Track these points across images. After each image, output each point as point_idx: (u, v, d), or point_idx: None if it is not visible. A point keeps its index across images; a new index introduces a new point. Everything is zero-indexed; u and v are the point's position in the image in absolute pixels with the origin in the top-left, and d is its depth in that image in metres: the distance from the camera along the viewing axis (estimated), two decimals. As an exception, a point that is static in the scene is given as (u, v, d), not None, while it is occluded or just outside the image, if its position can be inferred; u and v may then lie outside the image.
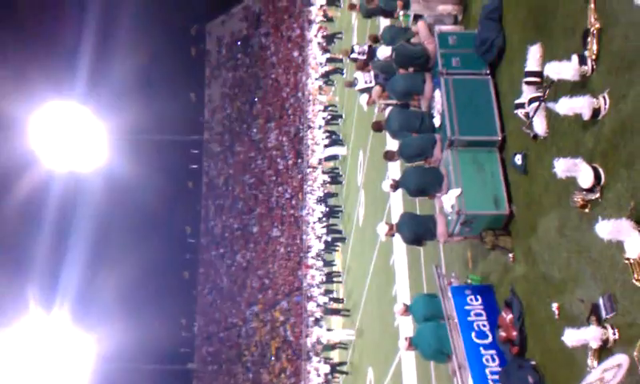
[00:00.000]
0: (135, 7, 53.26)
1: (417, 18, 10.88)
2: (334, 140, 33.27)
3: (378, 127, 10.27)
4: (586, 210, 6.34)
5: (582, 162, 6.21)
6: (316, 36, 38.04)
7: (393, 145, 10.32)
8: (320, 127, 35.91)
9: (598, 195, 6.14)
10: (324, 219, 33.68)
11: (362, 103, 11.46)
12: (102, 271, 53.22)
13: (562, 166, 6.29)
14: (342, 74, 32.36)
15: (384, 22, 15.02)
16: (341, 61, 32.22)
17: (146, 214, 55.58)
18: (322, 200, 34.75)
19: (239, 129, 59.42)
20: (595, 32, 6.16)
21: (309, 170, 39.87)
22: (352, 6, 14.70)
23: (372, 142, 22.07)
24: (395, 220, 9.81)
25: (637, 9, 5.22)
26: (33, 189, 48.50)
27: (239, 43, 60.59)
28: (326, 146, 33.76)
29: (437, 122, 9.39)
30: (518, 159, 8.05)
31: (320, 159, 36.22)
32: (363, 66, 12.42)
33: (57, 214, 49.98)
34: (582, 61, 6.23)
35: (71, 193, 52.32)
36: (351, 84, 12.91)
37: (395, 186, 9.77)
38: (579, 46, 6.45)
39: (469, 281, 9.59)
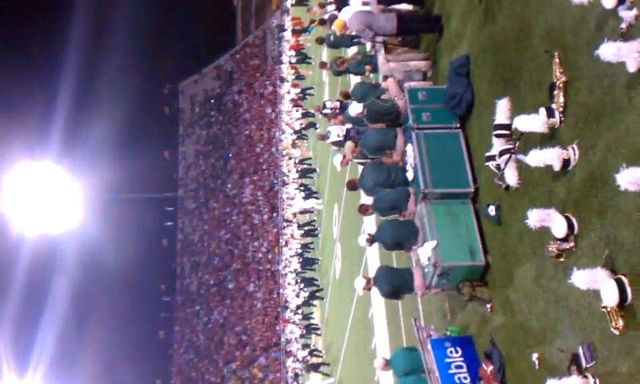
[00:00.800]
0: (109, 67, 53.58)
1: (386, 75, 11.08)
2: (309, 194, 33.32)
3: (352, 186, 10.32)
4: (561, 260, 6.38)
5: (554, 213, 6.27)
6: (288, 92, 38.49)
7: (367, 199, 10.34)
8: (294, 181, 36.02)
9: (572, 244, 6.19)
10: (300, 272, 33.46)
11: (335, 164, 11.53)
12: (75, 334, 51.99)
13: (535, 217, 6.35)
14: (316, 128, 32.69)
15: (354, 79, 15.27)
16: (313, 115, 32.58)
17: (119, 273, 54.76)
18: (298, 254, 34.57)
19: (214, 185, 59.36)
20: (561, 85, 6.31)
21: (284, 224, 39.77)
22: (323, 65, 15.00)
23: (347, 196, 22.14)
24: (372, 273, 9.77)
25: (600, 62, 5.36)
26: (4, 252, 47.63)
27: (212, 101, 61.08)
28: (304, 199, 33.76)
29: (410, 175, 9.46)
30: (492, 210, 8.11)
31: (295, 213, 36.21)
32: (335, 118, 12.55)
33: (29, 278, 49.05)
34: (550, 113, 6.36)
35: (44, 255, 51.43)
36: (324, 137, 13.04)
37: (371, 240, 9.76)
38: (546, 99, 6.60)
39: (448, 333, 9.53)
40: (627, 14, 5.21)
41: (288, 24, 39.63)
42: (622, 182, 5.16)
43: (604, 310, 5.56)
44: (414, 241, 9.04)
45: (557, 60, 6.40)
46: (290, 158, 37.89)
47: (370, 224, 16.08)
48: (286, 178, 39.72)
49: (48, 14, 53.93)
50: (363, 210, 10.11)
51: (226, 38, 62.39)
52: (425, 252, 8.65)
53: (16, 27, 51.98)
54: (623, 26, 5.32)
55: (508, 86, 7.76)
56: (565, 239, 6.21)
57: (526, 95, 7.25)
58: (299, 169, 35.27)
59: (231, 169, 56.84)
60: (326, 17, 15.14)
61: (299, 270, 33.73)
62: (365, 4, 11.13)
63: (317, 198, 32.40)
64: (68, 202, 51.13)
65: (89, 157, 52.24)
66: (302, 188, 34.36)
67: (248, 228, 51.23)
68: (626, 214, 5.44)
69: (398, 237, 9.22)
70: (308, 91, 34.94)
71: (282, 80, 42.52)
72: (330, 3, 14.07)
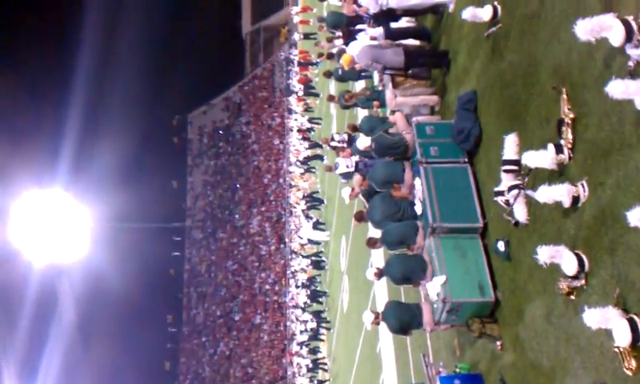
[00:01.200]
0: (118, 97, 54.12)
1: (394, 109, 11.13)
2: (316, 225, 33.23)
3: (360, 218, 10.29)
4: (572, 297, 6.29)
5: (564, 250, 6.21)
6: (296, 119, 38.65)
7: (375, 232, 10.30)
8: (301, 212, 35.98)
9: (582, 282, 6.11)
10: (307, 305, 33.23)
11: (344, 196, 11.53)
12: (81, 363, 51.73)
13: (545, 254, 6.28)
14: (323, 159, 32.74)
15: (362, 112, 15.33)
16: (321, 147, 32.67)
17: (126, 303, 54.59)
18: (305, 286, 34.36)
19: (221, 215, 59.43)
20: (569, 122, 6.29)
21: (291, 256, 39.65)
22: (331, 98, 15.08)
23: (354, 228, 22.06)
24: (380, 308, 9.69)
25: (608, 99, 5.35)
26: (13, 281, 47.67)
27: (221, 132, 61.47)
28: (312, 228, 33.65)
29: (418, 209, 9.43)
30: (501, 246, 8.05)
31: (302, 244, 36.09)
32: (344, 151, 12.58)
33: (36, 305, 49.00)
34: (559, 150, 6.33)
35: (51, 283, 51.46)
36: (331, 168, 13.05)
37: (379, 274, 9.70)
38: (555, 135, 6.58)
39: (457, 370, 9.38)
40: (635, 52, 5.21)
41: (295, 57, 40.00)
42: (632, 219, 5.11)
43: (616, 349, 5.46)
44: (423, 276, 8.98)
45: (565, 96, 6.39)
46: (298, 190, 37.93)
47: (378, 257, 15.99)
48: (293, 209, 39.70)
49: (57, 42, 54.68)
50: (371, 243, 10.06)
51: (234, 70, 63.01)
52: (434, 287, 8.58)
53: (24, 54, 52.68)
54: (631, 63, 5.32)
55: (516, 122, 7.75)
56: (575, 277, 6.14)
57: (534, 131, 7.24)
58: (307, 201, 35.26)
59: (239, 199, 56.96)
60: (334, 51, 15.26)
61: (307, 302, 33.49)
62: (372, 39, 11.21)
63: (324, 229, 32.32)
64: (76, 229, 51.20)
65: (97, 185, 52.51)
66: (309, 218, 34.29)
67: (255, 259, 51.13)
68: (636, 252, 5.37)
69: (407, 271, 9.16)
70: (317, 121, 35.12)
71: (290, 111, 42.78)
72: (338, 38, 14.18)
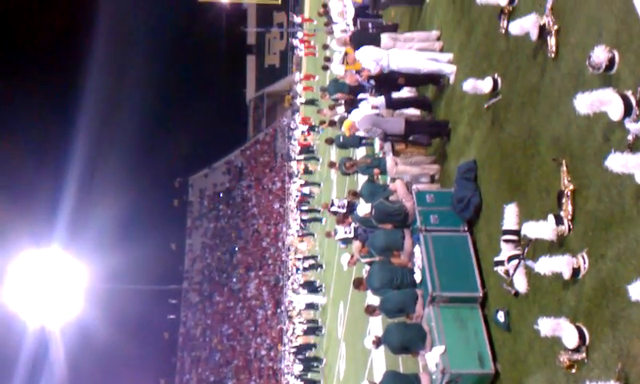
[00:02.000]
0: (120, 157, 54.60)
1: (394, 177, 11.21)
2: (314, 289, 32.96)
3: (359, 285, 10.22)
4: (573, 371, 6.16)
5: (565, 322, 6.13)
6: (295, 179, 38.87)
7: (374, 299, 10.21)
8: (297, 271, 35.77)
9: (584, 355, 6.00)
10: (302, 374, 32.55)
11: (342, 263, 11.50)
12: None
13: (546, 326, 6.19)
14: (321, 221, 32.76)
15: (362, 178, 15.43)
16: (319, 211, 32.73)
17: (119, 366, 53.67)
18: (299, 351, 33.79)
19: (219, 278, 59.06)
20: (569, 193, 6.32)
21: (288, 321, 39.19)
22: (332, 164, 15.20)
23: (353, 294, 21.87)
24: (377, 378, 9.50)
25: (608, 171, 5.38)
26: (7, 342, 47.00)
27: (221, 195, 61.78)
28: (308, 292, 33.35)
29: (417, 277, 9.36)
30: (501, 316, 7.96)
31: (300, 310, 35.70)
32: (343, 220, 12.61)
33: (30, 367, 48.17)
34: (559, 221, 6.34)
35: (45, 344, 50.70)
36: (331, 234, 13.04)
37: (377, 342, 9.56)
38: (555, 206, 6.59)
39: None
40: (634, 126, 5.28)
41: (298, 122, 40.55)
42: (634, 293, 5.06)
43: (619, 426, 5.33)
44: (422, 345, 8.84)
45: (565, 168, 6.44)
46: (296, 253, 37.80)
47: (377, 325, 15.78)
48: (290, 273, 39.49)
49: (57, 102, 55.48)
50: (370, 310, 9.97)
51: (237, 134, 63.88)
52: (433, 357, 8.43)
53: (24, 114, 53.39)
54: (630, 137, 5.37)
55: (516, 192, 7.79)
56: (576, 350, 6.03)
57: (534, 201, 7.26)
58: (304, 264, 35.08)
59: (237, 262, 56.72)
60: (335, 118, 15.48)
61: (301, 371, 32.86)
62: (374, 108, 11.39)
63: (321, 293, 32.02)
64: (72, 288, 50.73)
65: (95, 244, 52.38)
66: (306, 285, 34.04)
67: (251, 323, 50.50)
68: (638, 326, 5.30)
69: (406, 341, 9.02)
70: (317, 186, 35.31)
71: (291, 176, 43.10)
72: (340, 105, 14.40)
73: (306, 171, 38.08)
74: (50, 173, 54.10)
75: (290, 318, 38.12)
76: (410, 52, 11.11)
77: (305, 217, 35.70)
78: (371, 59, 10.90)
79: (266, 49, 64.88)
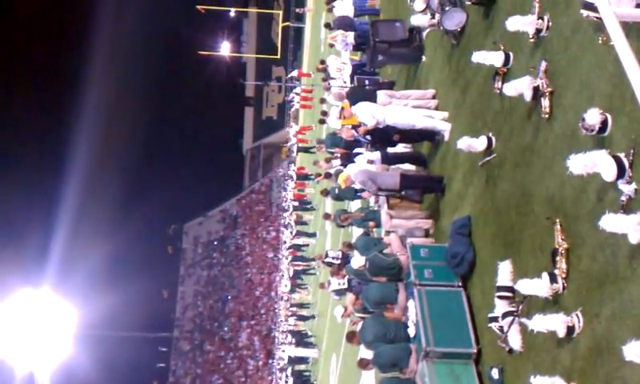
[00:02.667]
0: (115, 203, 54.57)
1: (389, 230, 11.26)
2: (305, 341, 32.57)
3: (352, 338, 10.15)
4: (568, 431, 6.12)
5: (560, 381, 6.10)
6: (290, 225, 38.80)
7: (367, 353, 10.12)
8: (287, 320, 35.40)
9: (578, 416, 5.97)
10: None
11: (336, 315, 11.46)
12: None
13: (541, 385, 6.17)
14: (315, 274, 32.60)
15: (357, 230, 15.47)
16: (313, 260, 32.62)
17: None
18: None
19: (210, 327, 58.43)
20: (563, 252, 6.37)
21: (279, 374, 38.62)
22: (327, 216, 15.27)
23: (345, 347, 21.64)
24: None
25: (602, 231, 5.45)
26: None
27: (215, 243, 61.62)
28: (296, 346, 32.92)
29: (411, 331, 9.32)
30: (495, 373, 7.90)
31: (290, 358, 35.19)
32: (337, 272, 12.61)
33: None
34: (553, 279, 6.37)
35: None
36: (324, 285, 13.01)
37: (370, 397, 9.46)
38: (549, 264, 6.63)
39: None
40: (627, 188, 5.37)
41: (293, 172, 40.79)
42: (628, 354, 5.06)
43: None
44: (415, 402, 8.75)
45: (558, 227, 6.50)
46: (288, 303, 37.51)
47: (370, 379, 15.59)
48: (282, 323, 39.11)
49: (49, 142, 55.63)
50: (363, 364, 9.87)
51: (233, 183, 64.17)
52: (426, 414, 8.33)
53: (16, 152, 53.50)
54: (623, 198, 5.46)
55: (510, 249, 7.83)
56: (571, 409, 6.00)
57: (528, 259, 7.30)
58: (296, 314, 34.80)
59: (229, 311, 56.21)
60: (331, 171, 15.61)
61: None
62: (370, 162, 11.52)
63: (313, 345, 31.63)
64: (61, 332, 49.95)
65: (86, 288, 51.91)
66: (295, 335, 33.67)
67: (242, 374, 49.76)
68: (633, 387, 5.29)
69: (399, 396, 8.94)
70: (312, 237, 35.25)
71: (286, 226, 43.09)
72: (336, 158, 14.56)
73: (300, 222, 38.09)
74: (41, 214, 54.02)
75: (281, 370, 37.58)
76: (406, 108, 11.30)
77: (298, 268, 35.54)
78: (368, 114, 11.08)
79: (264, 101, 65.76)
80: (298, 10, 53.94)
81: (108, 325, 55.47)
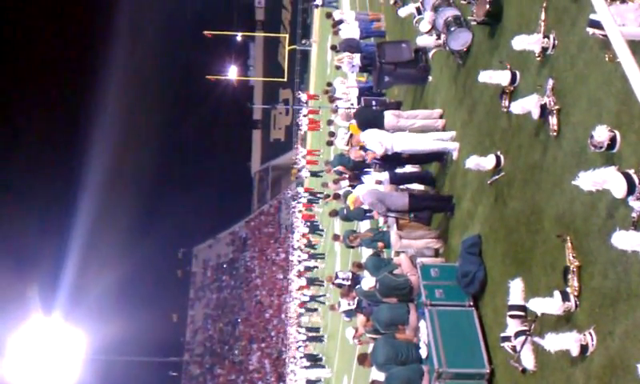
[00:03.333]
0: (124, 228, 54.69)
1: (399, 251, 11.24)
2: (316, 363, 32.40)
3: (363, 361, 10.10)
4: None
5: (574, 401, 6.05)
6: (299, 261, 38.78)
7: (379, 375, 10.05)
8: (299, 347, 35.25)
9: (594, 436, 5.89)
10: None
11: (347, 337, 11.41)
12: None
13: (555, 405, 6.11)
14: (324, 302, 32.52)
15: (366, 251, 15.45)
16: (322, 283, 32.54)
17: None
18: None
19: (220, 350, 58.20)
20: (575, 269, 6.33)
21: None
22: (336, 237, 15.26)
23: (357, 369, 21.50)
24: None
25: (613, 248, 5.42)
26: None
27: (225, 266, 61.59)
28: (307, 368, 32.73)
29: (423, 352, 9.26)
30: (509, 394, 7.83)
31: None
32: (347, 293, 12.57)
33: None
34: (565, 297, 6.33)
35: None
36: (335, 307, 12.97)
37: (383, 419, 9.37)
38: (560, 282, 6.59)
39: None
40: (637, 205, 5.34)
41: (302, 193, 40.83)
42: (643, 372, 5.02)
43: None
44: (429, 423, 8.67)
45: (569, 244, 6.47)
46: (300, 326, 37.35)
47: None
48: (293, 345, 38.92)
49: (61, 168, 55.95)
50: (375, 387, 9.82)
51: (242, 205, 64.25)
52: (440, 436, 8.25)
53: (27, 180, 53.80)
54: (634, 215, 5.42)
55: (521, 267, 7.79)
56: (587, 430, 5.93)
57: (540, 277, 7.26)
58: (307, 337, 34.65)
59: (239, 334, 56.03)
60: (340, 192, 15.64)
61: None
62: (378, 182, 11.53)
63: (323, 367, 31.45)
64: (70, 358, 49.87)
65: (96, 313, 51.91)
66: (307, 358, 33.51)
67: (253, 398, 49.43)
68: (649, 405, 5.22)
69: (412, 418, 8.86)
70: (320, 257, 35.20)
71: (295, 248, 43.05)
72: (344, 179, 14.59)
73: (309, 245, 38.06)
74: (53, 242, 54.20)
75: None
76: (413, 135, 11.31)
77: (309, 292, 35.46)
78: (376, 142, 11.11)
79: (272, 124, 66.13)
80: (303, 41, 54.50)
81: (118, 350, 55.38)
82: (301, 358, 34.39)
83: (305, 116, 37.15)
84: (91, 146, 54.47)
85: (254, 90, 66.79)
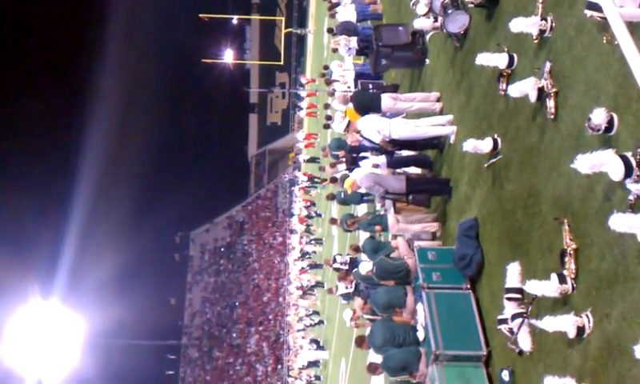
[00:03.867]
0: (122, 212, 54.66)
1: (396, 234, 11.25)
2: (316, 346, 32.58)
3: (361, 343, 10.13)
4: (580, 432, 6.09)
5: (571, 382, 6.08)
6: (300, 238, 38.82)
7: (376, 357, 10.10)
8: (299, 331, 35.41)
9: (590, 417, 5.94)
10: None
11: (345, 319, 11.45)
12: None
13: (552, 386, 6.15)
14: (323, 286, 32.61)
15: (364, 234, 15.46)
16: (321, 266, 32.62)
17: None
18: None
19: (218, 334, 58.42)
20: (572, 252, 6.35)
21: (290, 380, 38.58)
22: (333, 221, 15.26)
23: (355, 350, 21.61)
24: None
25: (610, 231, 5.43)
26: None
27: (222, 249, 61.67)
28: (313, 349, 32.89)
29: (420, 335, 9.30)
30: (505, 375, 7.86)
31: (300, 367, 35.19)
32: (345, 277, 12.59)
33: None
34: (562, 280, 6.35)
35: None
36: (332, 290, 13.00)
37: (380, 401, 9.44)
38: (558, 265, 6.61)
39: None
40: (634, 187, 5.35)
41: (300, 177, 40.81)
42: (639, 353, 5.05)
43: None
44: (426, 405, 8.73)
45: (566, 227, 6.48)
46: (298, 309, 37.49)
47: (379, 382, 15.56)
48: (292, 329, 39.10)
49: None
50: (372, 369, 9.85)
51: (238, 190, 64.21)
52: (437, 418, 8.31)
53: (25, 166, 53.68)
54: (631, 197, 5.44)
55: (518, 250, 7.82)
56: (583, 410, 5.98)
57: (537, 260, 7.28)
58: (306, 322, 34.78)
59: (237, 317, 56.25)
60: (337, 176, 15.61)
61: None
62: (375, 166, 11.51)
63: (323, 349, 31.63)
64: (69, 341, 50.08)
65: (94, 298, 52.00)
66: (309, 340, 33.69)
67: (251, 380, 49.74)
68: (645, 387, 5.27)
69: (409, 400, 8.92)
70: (319, 242, 35.26)
71: (292, 232, 43.10)
72: (341, 163, 14.55)
73: (307, 231, 38.10)
74: (51, 227, 54.18)
75: (291, 377, 37.56)
76: (411, 121, 11.28)
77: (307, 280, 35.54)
78: (373, 130, 11.07)
79: (268, 107, 65.89)
80: (300, 31, 54.15)
81: (116, 333, 55.57)
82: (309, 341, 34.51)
83: (307, 97, 37.05)
84: (88, 130, 54.29)
85: (251, 74, 66.50)
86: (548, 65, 7.24)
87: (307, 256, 35.90)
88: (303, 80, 41.26)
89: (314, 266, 34.22)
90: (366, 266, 10.47)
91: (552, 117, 7.11)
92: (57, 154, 55.89)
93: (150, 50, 59.64)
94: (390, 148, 11.37)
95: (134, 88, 59.04)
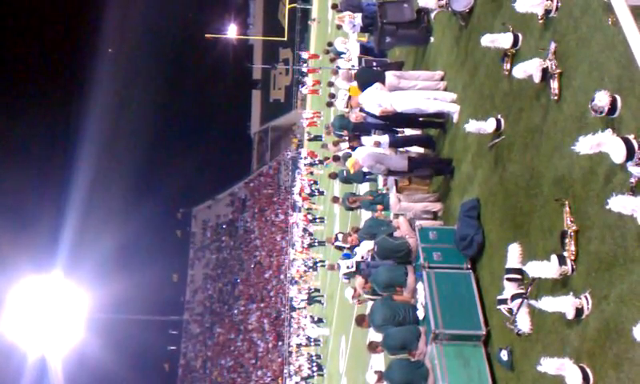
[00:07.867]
0: (124, 188, 54.72)
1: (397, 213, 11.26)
2: (316, 323, 32.81)
3: (361, 322, 10.19)
4: (577, 412, 6.15)
5: (569, 362, 6.13)
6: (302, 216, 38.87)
7: (376, 336, 10.18)
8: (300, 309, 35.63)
9: (587, 397, 5.99)
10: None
11: (347, 297, 11.50)
12: None
13: (549, 366, 6.19)
14: (324, 264, 32.74)
15: (365, 213, 15.49)
16: (323, 244, 32.72)
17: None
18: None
19: (220, 310, 58.77)
20: (572, 234, 6.36)
21: (290, 355, 38.91)
22: (335, 199, 15.25)
23: (355, 329, 21.76)
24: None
25: (611, 213, 5.44)
26: (4, 373, 46.62)
27: (224, 226, 61.80)
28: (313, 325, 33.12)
29: (420, 314, 9.36)
30: (504, 355, 7.94)
31: (300, 344, 35.49)
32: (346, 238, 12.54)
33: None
34: (562, 261, 6.38)
35: (44, 376, 50.19)
36: (334, 267, 13.04)
37: (380, 378, 9.50)
38: (558, 246, 6.64)
39: None
40: (636, 170, 5.35)
41: (303, 156, 40.75)
42: (637, 335, 5.08)
43: None
44: (425, 383, 8.80)
45: (567, 209, 6.49)
46: (299, 287, 37.68)
47: (379, 360, 15.68)
48: (293, 305, 39.29)
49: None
50: (372, 347, 9.92)
51: (241, 166, 64.18)
52: (435, 396, 8.39)
53: (25, 139, 53.68)
54: (632, 180, 5.44)
55: (519, 231, 7.84)
56: (580, 391, 6.02)
57: (537, 241, 7.30)
58: (307, 298, 34.99)
59: (239, 294, 56.53)
60: (339, 154, 15.58)
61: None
62: (377, 145, 11.48)
63: (324, 326, 31.85)
64: (72, 316, 50.44)
65: (97, 273, 52.27)
66: (310, 317, 33.92)
67: (252, 356, 50.12)
68: (642, 368, 5.31)
69: (408, 379, 8.97)
70: (320, 221, 35.33)
71: (294, 209, 43.18)
72: (344, 141, 14.51)
73: (309, 212, 38.18)
74: (52, 199, 54.32)
75: (290, 353, 37.87)
76: (413, 93, 11.22)
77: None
78: (374, 103, 11.02)
79: (272, 84, 65.56)
80: (308, 20, 53.69)
81: (119, 308, 55.95)
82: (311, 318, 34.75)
83: (308, 73, 36.88)
84: (90, 107, 54.14)
85: (254, 49, 66.10)
86: (553, 45, 7.20)
87: (310, 235, 36.01)
88: (305, 55, 40.99)
89: (316, 244, 34.35)
90: (366, 245, 10.50)
91: (556, 98, 7.08)
92: (58, 127, 55.87)
93: (153, 25, 59.26)
94: (390, 114, 11.25)
95: (137, 63, 58.81)
